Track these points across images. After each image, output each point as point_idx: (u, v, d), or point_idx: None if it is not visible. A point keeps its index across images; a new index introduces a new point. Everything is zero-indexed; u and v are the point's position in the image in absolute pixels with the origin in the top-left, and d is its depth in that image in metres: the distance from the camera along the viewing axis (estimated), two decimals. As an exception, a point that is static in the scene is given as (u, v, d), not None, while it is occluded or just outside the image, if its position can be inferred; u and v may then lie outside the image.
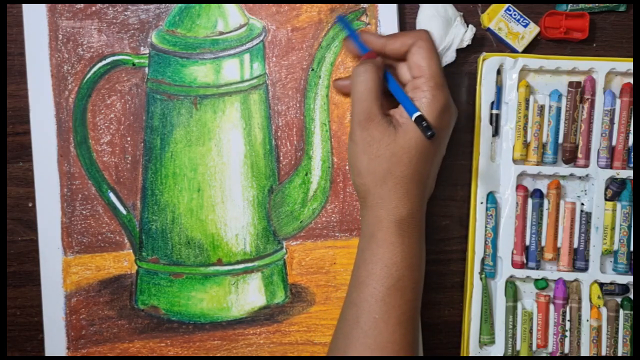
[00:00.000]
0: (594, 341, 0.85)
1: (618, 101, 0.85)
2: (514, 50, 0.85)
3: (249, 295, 0.84)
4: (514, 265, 0.85)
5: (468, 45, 0.84)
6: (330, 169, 0.84)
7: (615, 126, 0.85)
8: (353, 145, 0.76)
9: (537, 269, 0.86)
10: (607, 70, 0.85)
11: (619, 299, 0.86)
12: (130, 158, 0.84)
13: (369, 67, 0.75)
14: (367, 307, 0.74)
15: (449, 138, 0.79)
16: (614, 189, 0.86)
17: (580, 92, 0.85)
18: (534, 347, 0.86)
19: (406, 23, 0.86)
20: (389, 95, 0.78)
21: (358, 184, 0.77)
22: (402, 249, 0.74)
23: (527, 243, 0.86)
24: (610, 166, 0.85)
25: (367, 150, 0.75)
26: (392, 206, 0.74)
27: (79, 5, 0.83)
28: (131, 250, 0.84)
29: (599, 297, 0.85)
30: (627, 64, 0.85)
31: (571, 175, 0.86)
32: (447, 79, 0.84)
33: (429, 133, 0.72)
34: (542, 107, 0.85)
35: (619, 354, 0.85)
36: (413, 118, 0.73)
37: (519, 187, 0.85)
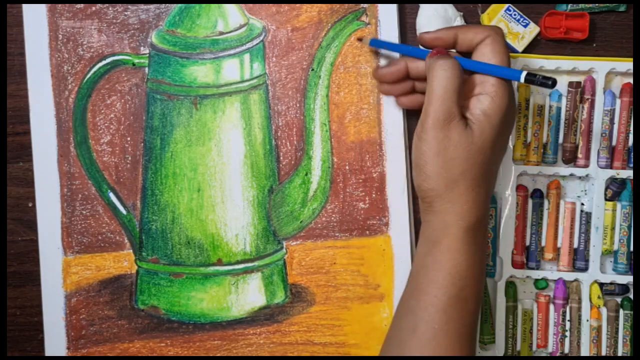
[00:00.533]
0: (594, 341, 0.85)
1: (618, 101, 0.85)
2: (514, 50, 0.85)
3: (249, 295, 0.84)
4: (514, 265, 0.85)
5: (468, 45, 0.84)
6: (330, 169, 0.84)
7: (615, 126, 0.85)
8: (425, 146, 0.71)
9: (537, 269, 0.86)
10: (607, 70, 0.85)
11: (619, 299, 0.86)
12: (130, 158, 0.84)
13: (451, 64, 0.71)
14: (427, 317, 0.70)
15: None
16: (614, 189, 0.86)
17: (580, 92, 0.85)
18: (534, 347, 0.86)
19: (406, 23, 0.86)
20: None
21: (425, 189, 0.72)
22: (468, 257, 0.71)
23: (527, 243, 0.86)
24: (610, 166, 0.85)
25: (442, 153, 0.70)
26: (462, 211, 0.71)
27: (79, 5, 0.83)
28: (131, 250, 0.84)
29: (599, 297, 0.85)
30: (627, 64, 0.85)
31: (571, 175, 0.85)
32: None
33: (550, 82, 0.68)
34: (542, 107, 0.85)
35: (619, 354, 0.85)
36: (522, 78, 0.70)
37: (519, 187, 0.85)
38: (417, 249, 0.75)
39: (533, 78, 0.69)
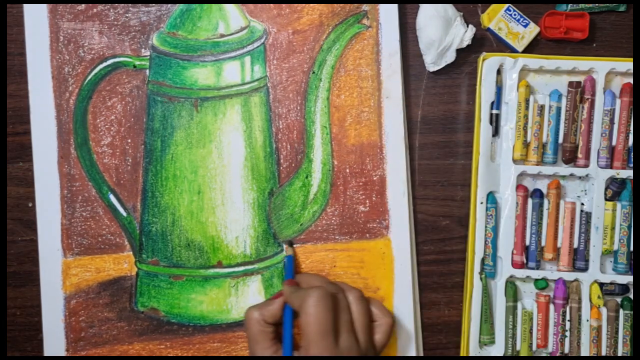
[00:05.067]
0: (594, 341, 0.85)
1: (618, 101, 0.85)
2: (514, 50, 0.85)
3: (249, 297, 0.84)
4: (514, 265, 0.85)
5: (468, 45, 0.84)
6: (331, 172, 0.84)
7: (615, 126, 0.85)
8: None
9: (537, 269, 0.86)
10: (607, 70, 0.85)
11: (619, 299, 0.86)
12: (130, 160, 0.84)
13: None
14: None
15: None
16: (614, 189, 0.86)
17: (580, 92, 0.85)
18: (534, 347, 0.86)
19: (407, 23, 0.86)
20: None
21: None
22: None
23: (527, 243, 0.86)
24: (610, 166, 0.85)
25: None
26: None
27: (80, 7, 0.83)
28: (131, 252, 0.84)
29: (599, 297, 0.85)
30: (627, 64, 0.84)
31: (571, 175, 0.86)
32: (447, 79, 0.84)
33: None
34: (542, 107, 0.85)
35: (619, 354, 0.85)
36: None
37: (519, 187, 0.85)
38: None
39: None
